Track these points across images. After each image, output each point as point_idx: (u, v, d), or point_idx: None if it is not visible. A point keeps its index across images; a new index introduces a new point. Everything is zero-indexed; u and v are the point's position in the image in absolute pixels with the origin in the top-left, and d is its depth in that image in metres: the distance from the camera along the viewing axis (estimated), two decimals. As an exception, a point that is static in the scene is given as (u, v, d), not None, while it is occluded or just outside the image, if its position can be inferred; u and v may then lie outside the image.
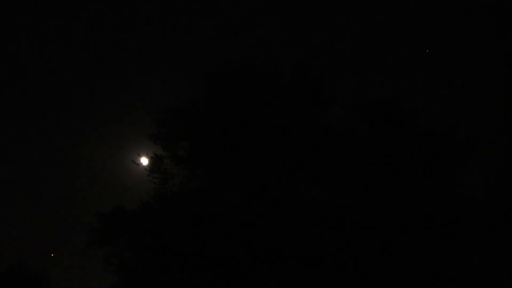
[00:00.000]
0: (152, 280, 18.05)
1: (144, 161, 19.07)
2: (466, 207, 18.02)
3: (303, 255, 17.72)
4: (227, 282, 17.32)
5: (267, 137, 18.78)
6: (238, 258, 17.71)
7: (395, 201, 17.90)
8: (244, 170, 18.67)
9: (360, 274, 17.16)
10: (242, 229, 17.87)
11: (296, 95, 19.20)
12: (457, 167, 18.16)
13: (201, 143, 18.93)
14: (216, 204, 18.26)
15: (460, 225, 17.71)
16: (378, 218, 17.88)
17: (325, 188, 18.68)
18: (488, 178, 18.68)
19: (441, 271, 17.26)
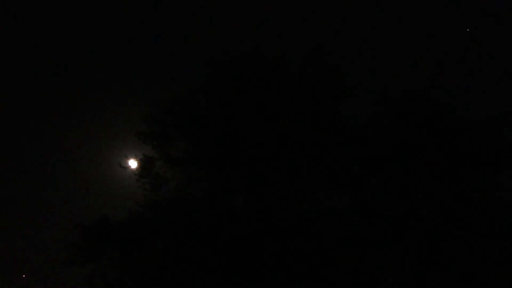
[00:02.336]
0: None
1: (133, 163, 18.04)
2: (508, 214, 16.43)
3: (320, 270, 16.14)
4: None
5: (276, 134, 17.34)
6: (244, 274, 16.21)
7: (428, 208, 16.22)
8: (250, 172, 17.18)
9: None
10: (248, 241, 16.39)
11: (310, 85, 17.74)
12: (501, 168, 16.53)
13: (199, 142, 17.76)
14: (217, 213, 16.84)
15: (501, 234, 16.17)
16: (407, 227, 16.29)
17: (345, 193, 17.37)
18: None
19: (478, 278, 16.07)
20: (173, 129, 17.81)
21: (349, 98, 17.57)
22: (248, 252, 15.95)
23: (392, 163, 16.54)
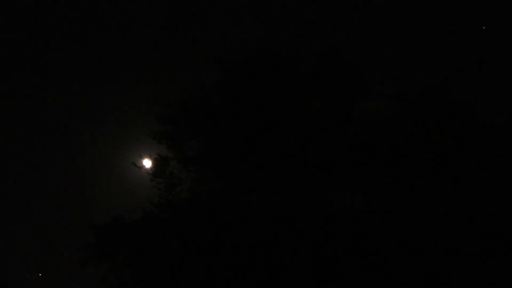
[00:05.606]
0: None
1: (147, 163, 17.79)
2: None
3: (336, 272, 15.80)
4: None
5: (291, 133, 17.04)
6: (258, 274, 15.91)
7: (447, 209, 15.64)
8: (265, 172, 16.87)
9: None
10: (262, 242, 16.07)
11: (325, 83, 17.39)
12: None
13: (213, 141, 17.52)
14: (231, 213, 16.61)
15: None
16: (426, 229, 15.79)
17: (360, 193, 16.92)
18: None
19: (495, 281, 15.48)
20: (187, 129, 17.59)
21: (364, 96, 17.12)
22: (262, 252, 15.66)
23: (408, 163, 16.02)
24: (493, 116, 16.33)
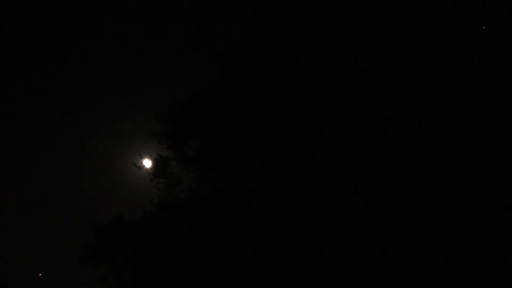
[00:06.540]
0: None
1: (147, 163, 17.66)
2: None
3: (336, 272, 15.72)
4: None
5: (291, 133, 16.91)
6: (258, 274, 15.80)
7: (448, 208, 15.69)
8: (265, 172, 16.78)
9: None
10: (263, 242, 15.95)
11: (325, 83, 17.22)
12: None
13: (213, 141, 17.33)
14: (232, 213, 16.46)
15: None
16: (425, 228, 15.74)
17: (360, 193, 16.85)
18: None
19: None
20: (187, 129, 17.44)
21: (364, 96, 17.04)
22: (262, 252, 15.53)
23: (408, 163, 15.99)
24: (493, 116, 16.21)
